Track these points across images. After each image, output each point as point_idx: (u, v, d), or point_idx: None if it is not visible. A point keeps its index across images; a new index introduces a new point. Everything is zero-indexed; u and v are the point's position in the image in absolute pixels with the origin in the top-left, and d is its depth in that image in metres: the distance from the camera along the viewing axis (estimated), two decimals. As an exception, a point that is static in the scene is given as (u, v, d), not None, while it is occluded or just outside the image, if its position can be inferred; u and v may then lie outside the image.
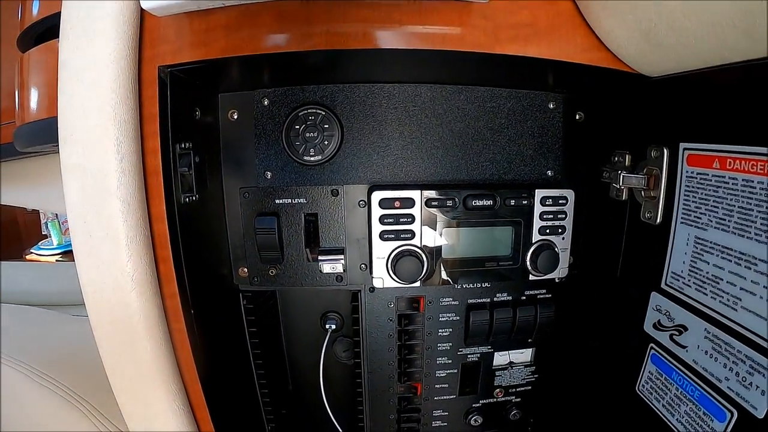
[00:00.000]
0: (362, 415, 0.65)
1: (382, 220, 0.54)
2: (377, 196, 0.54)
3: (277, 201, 0.56)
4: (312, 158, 0.55)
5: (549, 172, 0.60)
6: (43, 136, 0.57)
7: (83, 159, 0.47)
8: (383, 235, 0.54)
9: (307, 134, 0.54)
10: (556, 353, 0.65)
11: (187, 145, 0.50)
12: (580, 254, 0.61)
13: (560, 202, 0.58)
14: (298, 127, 0.54)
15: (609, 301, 0.59)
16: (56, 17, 0.53)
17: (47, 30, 0.61)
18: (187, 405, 0.54)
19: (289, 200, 0.56)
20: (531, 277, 0.59)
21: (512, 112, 0.58)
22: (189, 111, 0.52)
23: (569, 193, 0.58)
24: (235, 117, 0.56)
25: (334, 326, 0.66)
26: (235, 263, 0.59)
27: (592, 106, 0.60)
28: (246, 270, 0.59)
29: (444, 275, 0.57)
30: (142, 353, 0.50)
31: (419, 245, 0.55)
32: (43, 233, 2.66)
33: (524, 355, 0.65)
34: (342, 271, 0.57)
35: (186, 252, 0.49)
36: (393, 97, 0.55)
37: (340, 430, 0.66)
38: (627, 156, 0.54)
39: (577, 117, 0.60)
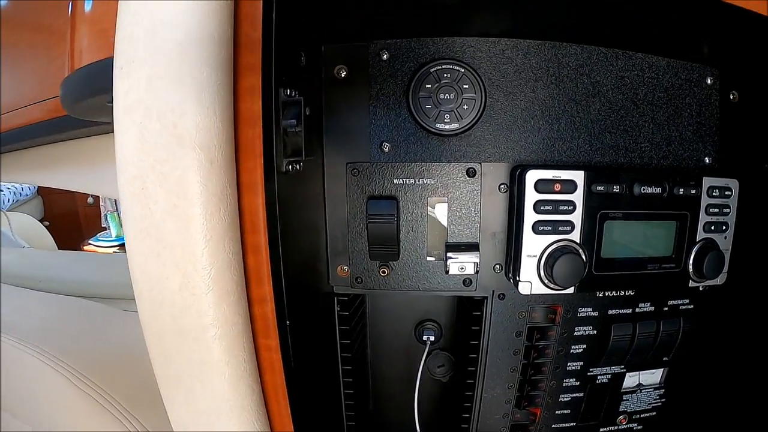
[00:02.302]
0: None
1: (538, 207, 0.32)
2: (533, 175, 0.32)
3: (395, 181, 0.34)
4: (447, 126, 0.33)
5: (707, 159, 0.38)
6: (97, 82, 0.34)
7: (147, 95, 0.24)
8: (537, 227, 0.32)
9: (442, 96, 0.32)
10: (690, 374, 0.43)
11: (293, 92, 0.28)
12: (738, 257, 0.39)
13: (726, 193, 0.37)
14: (429, 86, 0.32)
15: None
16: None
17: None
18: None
19: (412, 180, 0.34)
20: (690, 284, 0.37)
21: (671, 85, 0.37)
22: (294, 52, 0.29)
23: (734, 184, 0.37)
24: (343, 75, 0.34)
25: (432, 338, 0.43)
26: (332, 259, 0.36)
27: (748, 86, 0.40)
28: (347, 269, 0.36)
29: (596, 279, 0.35)
30: (218, 381, 0.27)
31: (578, 241, 0.33)
32: (102, 225, 2.32)
33: (654, 376, 0.42)
34: (473, 272, 0.34)
35: (284, 240, 0.26)
36: (543, 56, 0.34)
37: None
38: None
39: (731, 97, 0.39)
